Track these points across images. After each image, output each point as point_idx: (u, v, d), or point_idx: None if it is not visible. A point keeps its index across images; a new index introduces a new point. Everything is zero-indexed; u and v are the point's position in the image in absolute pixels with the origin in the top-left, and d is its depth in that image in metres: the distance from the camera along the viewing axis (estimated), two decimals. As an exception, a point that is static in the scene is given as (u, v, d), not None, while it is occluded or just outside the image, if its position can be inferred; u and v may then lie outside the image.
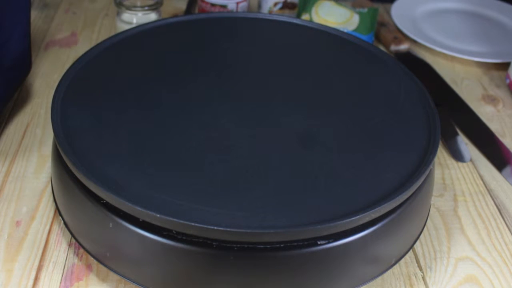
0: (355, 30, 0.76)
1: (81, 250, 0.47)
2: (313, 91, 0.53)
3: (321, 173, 0.44)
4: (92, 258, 0.46)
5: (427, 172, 0.44)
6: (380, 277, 0.44)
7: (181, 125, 0.47)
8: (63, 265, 0.46)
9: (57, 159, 0.46)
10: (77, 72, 0.52)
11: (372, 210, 0.39)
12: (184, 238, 0.39)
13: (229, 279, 0.40)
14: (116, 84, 0.51)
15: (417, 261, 0.49)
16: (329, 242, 0.39)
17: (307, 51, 0.59)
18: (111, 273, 0.46)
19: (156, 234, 0.39)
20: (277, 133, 0.47)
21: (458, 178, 0.59)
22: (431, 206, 0.54)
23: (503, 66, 0.77)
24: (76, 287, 0.45)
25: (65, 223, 0.47)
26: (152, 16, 0.73)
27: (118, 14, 0.73)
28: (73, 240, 0.48)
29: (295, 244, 0.39)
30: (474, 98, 0.71)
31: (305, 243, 0.39)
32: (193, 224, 0.37)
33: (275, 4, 0.79)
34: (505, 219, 0.54)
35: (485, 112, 0.69)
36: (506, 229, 0.53)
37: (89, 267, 0.46)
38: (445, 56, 0.79)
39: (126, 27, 0.70)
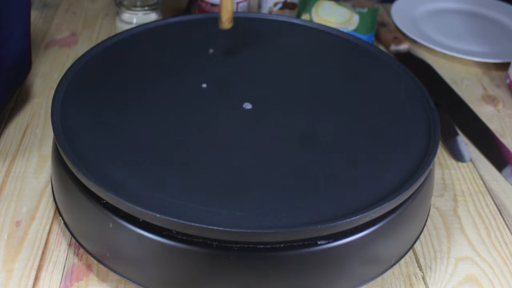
0: (355, 30, 0.76)
1: (81, 250, 0.47)
2: (313, 91, 0.53)
3: (321, 173, 0.44)
4: (92, 258, 0.46)
5: (427, 172, 0.44)
6: (380, 277, 0.44)
7: (181, 125, 0.47)
8: (63, 265, 0.46)
9: (57, 159, 0.46)
10: (77, 72, 0.52)
11: (372, 210, 0.39)
12: (184, 238, 0.39)
13: (229, 279, 0.40)
14: (116, 84, 0.51)
15: (417, 261, 0.49)
16: (329, 242, 0.39)
17: (307, 51, 0.59)
18: (111, 273, 0.46)
19: (156, 234, 0.39)
20: (277, 133, 0.47)
21: (458, 178, 0.59)
22: (431, 206, 0.53)
23: (503, 66, 0.77)
24: (76, 287, 0.45)
25: (65, 223, 0.47)
26: (152, 16, 0.73)
27: (118, 14, 0.73)
28: (73, 240, 0.48)
29: (295, 244, 0.39)
30: (474, 98, 0.71)
31: (305, 243, 0.39)
32: (193, 224, 0.37)
33: (275, 4, 0.79)
34: (505, 219, 0.54)
35: (485, 112, 0.69)
36: (506, 229, 0.53)
37: (89, 267, 0.46)
38: (445, 56, 0.79)
39: (126, 27, 0.69)
